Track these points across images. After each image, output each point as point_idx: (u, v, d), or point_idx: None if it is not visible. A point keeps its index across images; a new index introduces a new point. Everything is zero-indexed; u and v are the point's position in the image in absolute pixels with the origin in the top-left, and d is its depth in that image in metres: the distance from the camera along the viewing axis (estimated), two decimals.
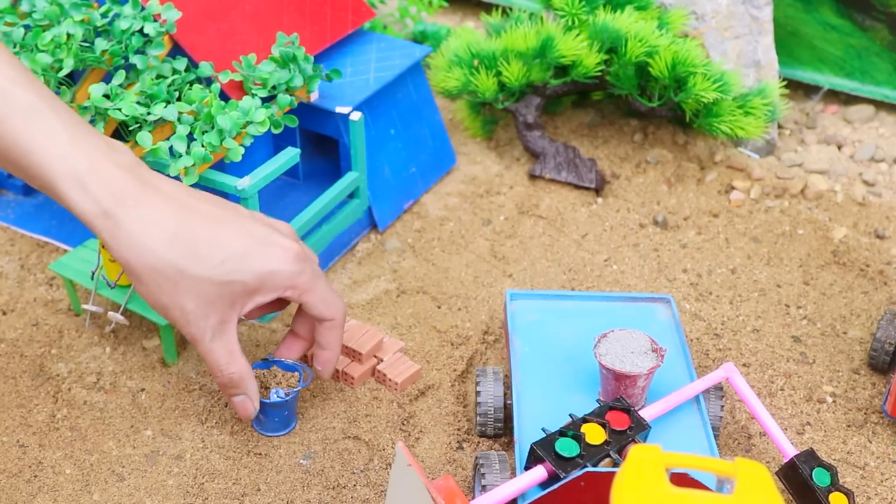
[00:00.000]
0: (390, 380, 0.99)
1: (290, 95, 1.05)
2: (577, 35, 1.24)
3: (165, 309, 0.82)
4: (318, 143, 1.22)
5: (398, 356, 1.01)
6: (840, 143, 1.37)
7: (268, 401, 0.91)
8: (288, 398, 0.91)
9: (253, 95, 1.03)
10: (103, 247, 0.99)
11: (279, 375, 0.94)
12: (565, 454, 0.78)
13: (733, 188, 1.27)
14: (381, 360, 1.01)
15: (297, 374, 0.94)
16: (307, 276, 0.86)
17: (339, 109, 1.10)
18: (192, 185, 1.07)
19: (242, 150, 1.01)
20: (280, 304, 0.92)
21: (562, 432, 0.80)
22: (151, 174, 0.83)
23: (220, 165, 1.05)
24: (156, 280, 0.80)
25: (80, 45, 1.02)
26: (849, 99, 1.45)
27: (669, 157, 1.31)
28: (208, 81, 1.06)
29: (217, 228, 0.82)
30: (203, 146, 0.99)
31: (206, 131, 1.00)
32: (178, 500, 0.89)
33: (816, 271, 1.15)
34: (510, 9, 1.37)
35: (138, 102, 0.99)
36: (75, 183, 0.79)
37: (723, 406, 0.92)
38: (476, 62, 1.26)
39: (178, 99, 1.02)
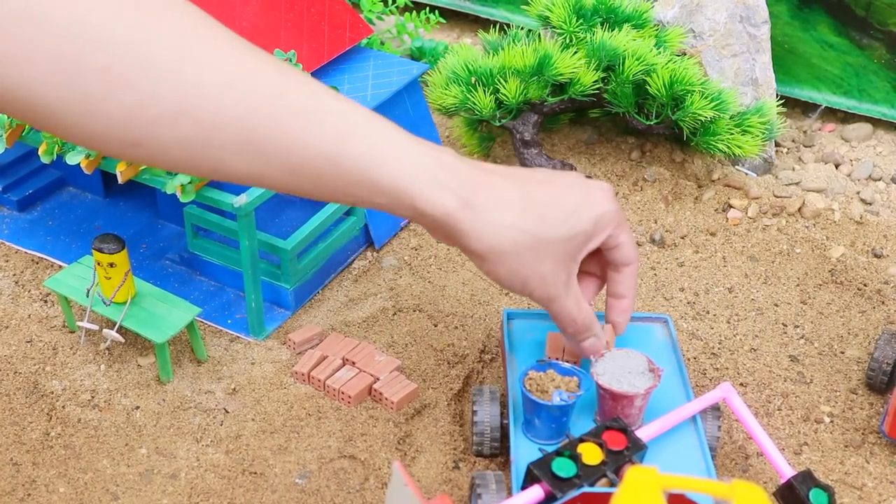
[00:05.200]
0: (386, 398, 0.99)
1: None
2: (575, 53, 1.24)
3: (525, 280, 0.83)
4: None
5: (394, 375, 1.01)
6: (838, 162, 1.37)
7: (549, 403, 0.86)
8: (571, 401, 0.87)
9: None
10: (98, 265, 0.98)
11: (557, 379, 0.89)
12: (562, 474, 0.78)
13: (731, 206, 1.27)
14: (378, 379, 1.00)
15: (575, 378, 0.89)
16: (622, 214, 0.88)
17: None
18: (188, 202, 1.07)
19: None
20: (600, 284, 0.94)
21: (559, 452, 0.80)
22: (471, 160, 0.84)
23: (217, 182, 1.05)
24: (517, 253, 0.82)
25: None
26: (846, 117, 1.46)
27: (667, 175, 1.31)
28: None
29: (550, 190, 0.84)
30: None
31: None
32: None
33: (814, 290, 1.15)
34: (507, 26, 1.37)
35: None
36: (433, 182, 0.77)
37: (720, 426, 0.91)
38: (473, 79, 1.26)
39: None
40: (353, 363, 1.02)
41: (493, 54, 1.29)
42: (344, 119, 0.75)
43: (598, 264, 0.93)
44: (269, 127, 0.71)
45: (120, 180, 1.01)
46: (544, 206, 0.83)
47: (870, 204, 1.29)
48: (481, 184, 0.80)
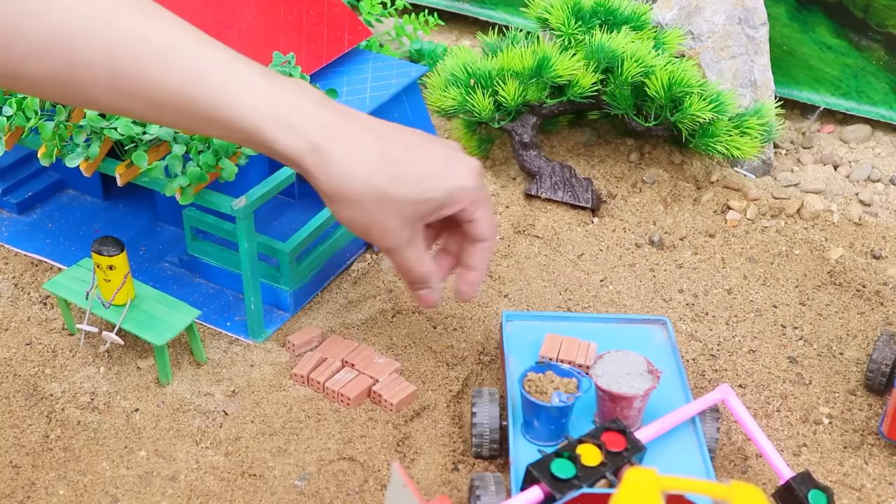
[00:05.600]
0: (386, 400, 0.99)
1: None
2: (574, 55, 1.24)
3: (367, 228, 0.87)
4: None
5: (394, 377, 1.01)
6: (836, 163, 1.37)
7: (547, 404, 0.86)
8: (569, 403, 0.87)
9: None
10: (97, 267, 0.99)
11: (556, 381, 0.89)
12: (561, 475, 0.78)
13: (729, 208, 1.27)
14: (377, 381, 1.00)
15: (574, 380, 0.89)
16: (484, 192, 0.91)
17: None
18: (188, 205, 1.07)
19: (237, 170, 1.01)
20: (435, 237, 0.97)
21: (558, 453, 0.80)
22: (342, 106, 0.86)
23: (215, 185, 1.05)
24: (362, 203, 0.85)
25: None
26: (845, 118, 1.46)
27: (666, 177, 1.31)
28: None
29: (412, 152, 0.87)
30: (198, 166, 0.99)
31: (202, 151, 1.00)
32: None
33: (813, 292, 1.15)
34: (506, 28, 1.37)
35: (134, 122, 0.99)
36: (283, 124, 0.81)
37: (719, 428, 0.92)
38: (472, 81, 1.26)
39: None
40: (353, 365, 1.02)
41: (492, 56, 1.29)
42: (199, 61, 0.80)
43: (457, 244, 0.95)
44: (128, 67, 0.78)
45: (119, 183, 1.01)
46: (400, 165, 0.86)
47: (868, 205, 1.29)
48: (337, 131, 0.83)
